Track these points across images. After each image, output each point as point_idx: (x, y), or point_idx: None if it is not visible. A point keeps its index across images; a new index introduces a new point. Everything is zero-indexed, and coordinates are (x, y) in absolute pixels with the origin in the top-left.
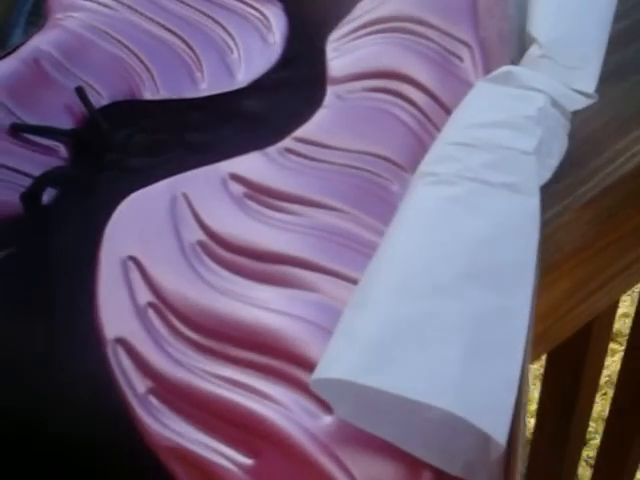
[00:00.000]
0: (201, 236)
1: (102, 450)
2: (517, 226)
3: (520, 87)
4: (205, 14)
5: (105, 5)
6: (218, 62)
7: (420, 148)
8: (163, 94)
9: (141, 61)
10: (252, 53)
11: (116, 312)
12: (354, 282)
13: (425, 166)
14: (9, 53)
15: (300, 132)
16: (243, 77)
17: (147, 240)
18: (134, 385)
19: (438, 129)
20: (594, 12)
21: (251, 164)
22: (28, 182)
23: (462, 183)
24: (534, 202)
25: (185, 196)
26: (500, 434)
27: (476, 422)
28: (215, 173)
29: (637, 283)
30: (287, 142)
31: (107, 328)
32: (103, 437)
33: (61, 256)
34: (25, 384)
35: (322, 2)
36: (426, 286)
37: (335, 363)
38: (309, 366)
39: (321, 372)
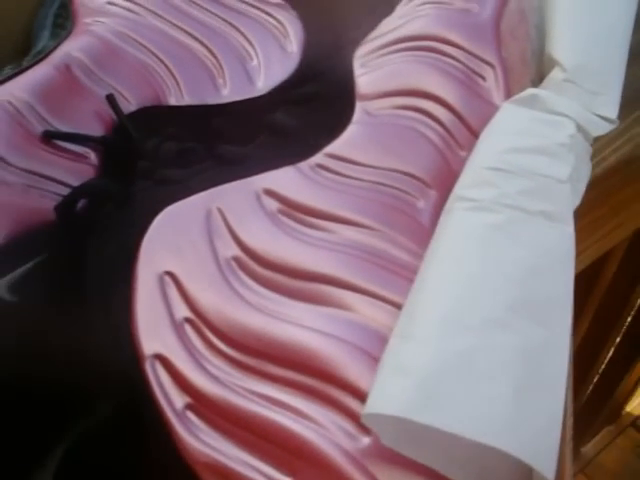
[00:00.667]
0: (236, 251)
1: (140, 465)
2: (556, 257)
3: (546, 111)
4: (225, 20)
5: (129, 10)
6: (239, 69)
7: (445, 165)
8: (187, 100)
9: (166, 67)
10: (271, 61)
11: (154, 327)
12: (387, 301)
13: (462, 190)
14: (42, 59)
15: (331, 148)
16: (263, 85)
17: (183, 255)
18: (172, 401)
19: (461, 147)
20: (613, 35)
21: (284, 179)
22: (59, 189)
23: (502, 210)
24: (570, 231)
25: (220, 210)
26: (548, 470)
27: (526, 459)
28: (249, 187)
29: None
30: (319, 158)
31: (145, 343)
32: (141, 453)
33: (98, 268)
34: (60, 398)
35: (336, 11)
36: (475, 319)
37: (388, 398)
38: (347, 387)
39: (374, 407)
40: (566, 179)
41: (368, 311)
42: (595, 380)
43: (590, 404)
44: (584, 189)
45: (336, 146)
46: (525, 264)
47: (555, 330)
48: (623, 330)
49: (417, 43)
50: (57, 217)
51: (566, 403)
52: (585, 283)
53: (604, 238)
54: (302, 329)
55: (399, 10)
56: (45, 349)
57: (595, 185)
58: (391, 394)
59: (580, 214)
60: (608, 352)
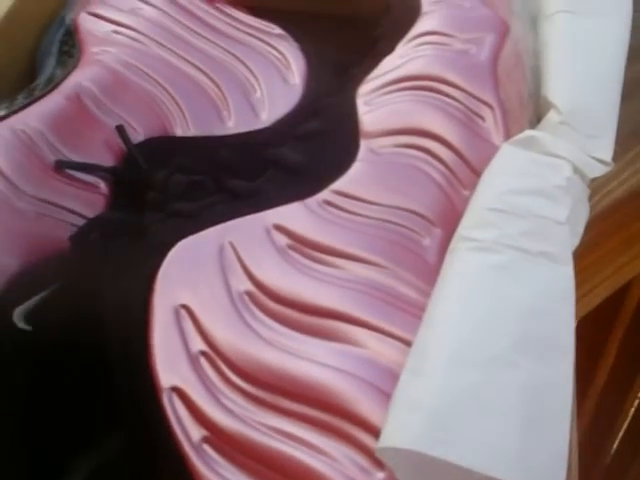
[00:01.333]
0: (249, 286)
1: None
2: (557, 297)
3: (544, 153)
4: (228, 51)
5: (135, 39)
6: (243, 101)
7: (448, 203)
8: (193, 131)
9: (172, 97)
10: (274, 93)
11: (171, 360)
12: (395, 338)
13: (465, 230)
14: (53, 88)
15: (338, 185)
16: (267, 117)
17: (198, 289)
18: (189, 434)
19: (464, 186)
20: (606, 78)
21: (293, 215)
22: (71, 218)
23: (504, 251)
24: (569, 271)
25: (232, 245)
26: None
27: None
28: (259, 223)
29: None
30: (326, 194)
31: (163, 376)
32: None
33: (113, 299)
34: (77, 429)
35: (338, 45)
36: (481, 356)
37: (401, 432)
38: (359, 422)
39: (388, 441)
40: (564, 221)
41: (378, 347)
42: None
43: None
44: (582, 230)
45: (342, 183)
46: (527, 304)
47: (557, 367)
48: None
49: (418, 83)
50: (72, 247)
51: (571, 438)
52: (605, 319)
53: (620, 271)
54: (314, 364)
55: (399, 50)
56: (62, 379)
57: (604, 218)
58: (404, 428)
59: (591, 246)
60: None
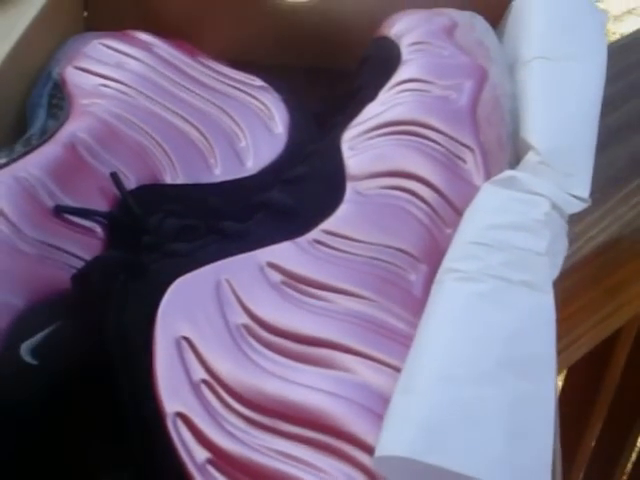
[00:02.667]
0: (246, 319)
1: None
2: (538, 320)
3: (524, 191)
4: (212, 103)
5: (122, 92)
6: (229, 150)
7: (432, 241)
8: (182, 178)
9: (160, 147)
10: (259, 142)
11: (174, 388)
12: (385, 364)
13: (449, 263)
14: (49, 138)
15: (327, 225)
16: (252, 164)
17: (197, 322)
18: (194, 456)
19: (447, 225)
20: (583, 119)
21: (285, 254)
22: (70, 260)
23: (487, 280)
24: (550, 299)
25: (228, 282)
26: None
27: None
28: (253, 261)
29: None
30: (316, 234)
31: (167, 403)
32: None
33: (117, 332)
34: (83, 456)
35: (318, 95)
36: (469, 375)
37: (395, 442)
38: (355, 442)
39: (385, 450)
40: (544, 252)
41: (369, 373)
42: None
43: None
44: (562, 262)
45: (331, 223)
46: (511, 328)
47: (541, 383)
48: None
49: (400, 128)
50: (74, 287)
51: (555, 450)
52: (594, 371)
53: (603, 322)
54: (310, 390)
55: (381, 97)
56: (68, 408)
57: (584, 265)
58: (399, 438)
59: (572, 296)
60: (630, 455)
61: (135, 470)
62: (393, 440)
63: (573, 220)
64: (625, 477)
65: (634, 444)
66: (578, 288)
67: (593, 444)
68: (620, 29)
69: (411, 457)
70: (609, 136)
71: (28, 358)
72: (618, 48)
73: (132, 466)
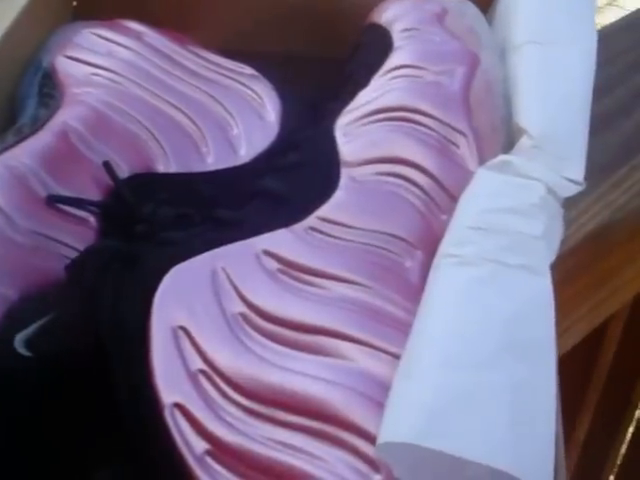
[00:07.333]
0: (242, 308)
1: None
2: (537, 305)
3: (518, 175)
4: (204, 91)
5: (113, 81)
6: (221, 138)
7: (426, 226)
8: (175, 167)
9: (153, 135)
10: (251, 130)
11: (171, 378)
12: (383, 351)
13: (446, 248)
14: (41, 127)
15: (322, 212)
16: (245, 152)
17: (194, 311)
18: (192, 447)
19: (442, 211)
20: (575, 102)
21: (281, 241)
22: (63, 250)
23: (484, 264)
24: (548, 282)
25: (224, 270)
26: None
27: (524, 478)
28: (249, 249)
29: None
30: (311, 221)
31: (164, 393)
32: None
33: (113, 322)
34: (81, 448)
35: (310, 83)
36: (469, 360)
37: (397, 428)
38: (354, 430)
39: (387, 437)
40: (540, 235)
41: (367, 360)
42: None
43: None
44: (558, 246)
45: (326, 210)
46: (509, 312)
47: (540, 367)
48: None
49: (393, 114)
50: (68, 277)
51: (557, 432)
52: (584, 361)
53: (597, 308)
54: (308, 378)
55: (373, 83)
56: (63, 399)
57: (576, 252)
58: (401, 424)
59: (564, 283)
60: (622, 441)
61: (133, 462)
62: (395, 427)
63: (564, 206)
64: (616, 469)
65: (624, 436)
66: (571, 274)
67: (582, 437)
68: (603, 20)
69: (414, 443)
70: (599, 124)
71: (22, 350)
72: (604, 36)
73: (129, 458)
